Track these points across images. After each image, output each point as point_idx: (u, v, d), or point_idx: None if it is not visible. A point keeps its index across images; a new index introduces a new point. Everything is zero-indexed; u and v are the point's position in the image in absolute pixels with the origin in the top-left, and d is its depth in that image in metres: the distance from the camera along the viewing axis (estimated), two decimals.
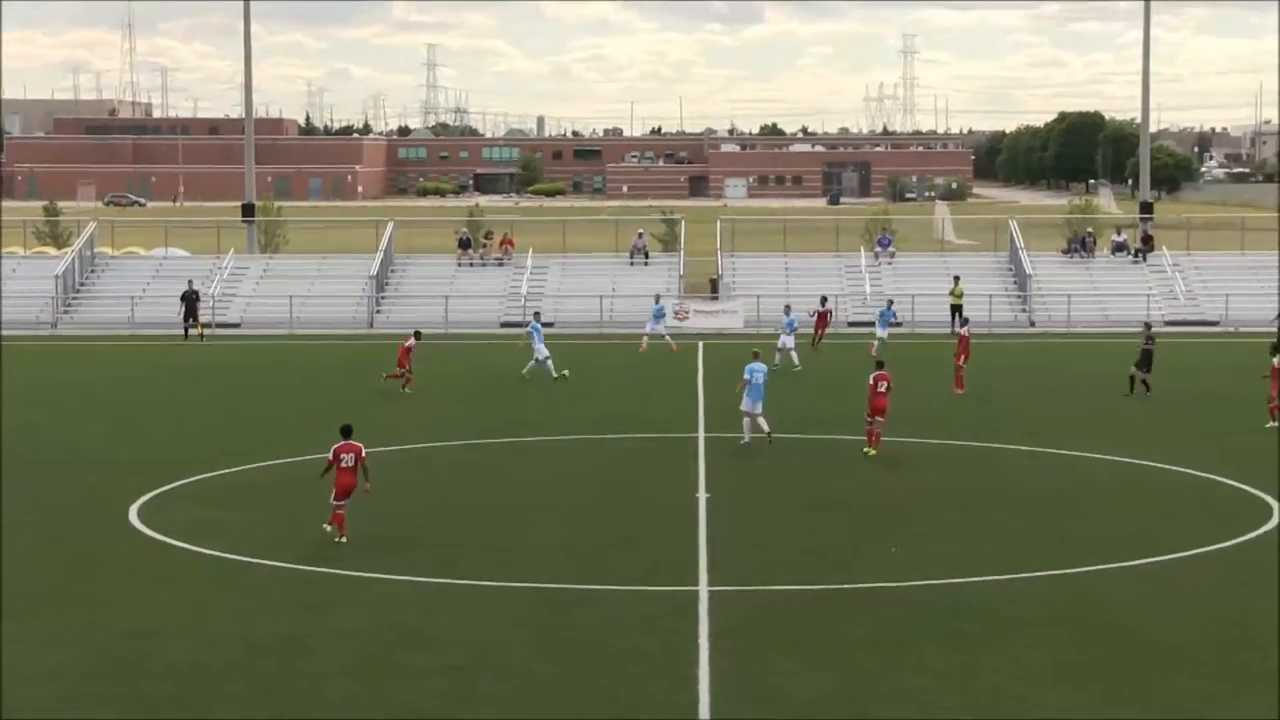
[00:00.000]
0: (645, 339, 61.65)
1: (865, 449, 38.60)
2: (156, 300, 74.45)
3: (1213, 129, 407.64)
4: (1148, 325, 50.54)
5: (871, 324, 63.31)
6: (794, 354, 56.25)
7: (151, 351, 63.64)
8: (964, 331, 52.66)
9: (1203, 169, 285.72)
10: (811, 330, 62.43)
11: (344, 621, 24.16)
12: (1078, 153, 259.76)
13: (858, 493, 34.21)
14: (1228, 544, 29.09)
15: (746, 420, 39.71)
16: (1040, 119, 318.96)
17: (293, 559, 27.93)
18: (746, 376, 39.66)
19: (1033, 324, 72.85)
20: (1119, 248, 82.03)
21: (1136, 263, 79.90)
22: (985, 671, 21.59)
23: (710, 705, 20.12)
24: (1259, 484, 34.04)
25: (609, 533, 30.41)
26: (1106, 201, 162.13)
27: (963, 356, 50.06)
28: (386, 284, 77.51)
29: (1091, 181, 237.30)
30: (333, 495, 29.01)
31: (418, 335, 51.91)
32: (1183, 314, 73.50)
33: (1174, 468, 36.62)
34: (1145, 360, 48.24)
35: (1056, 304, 73.89)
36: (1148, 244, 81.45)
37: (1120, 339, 58.52)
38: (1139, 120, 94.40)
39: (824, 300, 64.80)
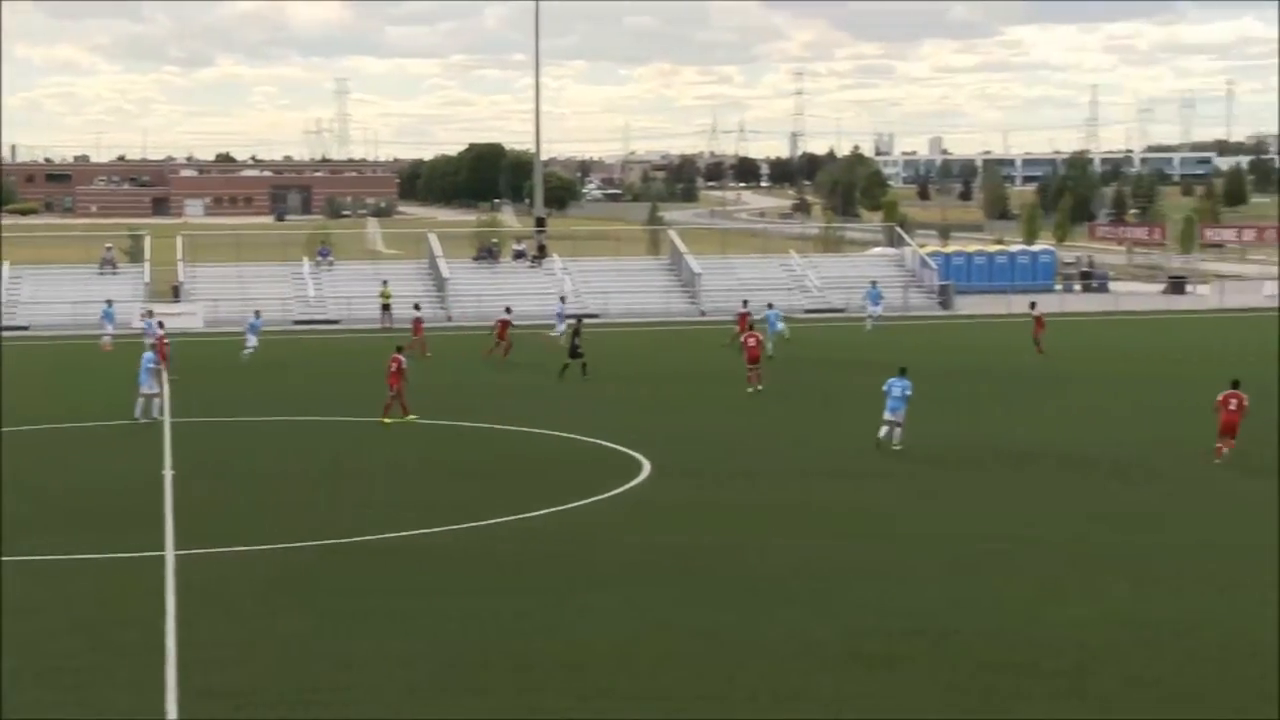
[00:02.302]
0: (108, 339, 59.50)
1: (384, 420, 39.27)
2: None
3: (591, 158, 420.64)
4: (579, 319, 51.71)
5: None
6: (251, 349, 54.96)
7: None
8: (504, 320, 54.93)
9: (584, 190, 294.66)
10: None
11: None
12: (484, 177, 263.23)
13: (307, 465, 33.72)
14: (615, 491, 30.09)
15: (140, 400, 39.73)
16: (453, 149, 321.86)
17: None
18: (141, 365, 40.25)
19: (450, 319, 73.49)
20: (519, 255, 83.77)
21: (533, 267, 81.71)
22: (393, 609, 21.67)
23: (176, 651, 19.48)
24: (631, 445, 35.27)
25: (84, 508, 29.02)
26: (508, 217, 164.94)
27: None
28: None
29: (496, 200, 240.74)
30: None
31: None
32: (571, 309, 75.43)
33: (574, 436, 37.46)
34: (574, 350, 49.21)
35: (470, 302, 74.79)
36: (542, 252, 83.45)
37: (524, 330, 59.35)
38: (533, 150, 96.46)
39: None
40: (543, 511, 28.32)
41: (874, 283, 71.41)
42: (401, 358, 39.84)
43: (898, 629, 20.51)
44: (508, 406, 42.31)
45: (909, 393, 34.76)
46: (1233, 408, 32.96)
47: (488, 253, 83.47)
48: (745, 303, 58.68)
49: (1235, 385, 33.47)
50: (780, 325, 56.23)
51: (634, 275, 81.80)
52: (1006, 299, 75.47)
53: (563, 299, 65.98)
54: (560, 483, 31.16)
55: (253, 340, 55.10)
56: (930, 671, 18.70)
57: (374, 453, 35.48)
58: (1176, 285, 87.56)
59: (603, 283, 78.49)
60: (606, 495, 29.87)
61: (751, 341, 45.96)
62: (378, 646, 19.87)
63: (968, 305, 77.08)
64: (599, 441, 36.19)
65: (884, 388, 35.17)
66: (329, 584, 23.18)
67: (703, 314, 75.13)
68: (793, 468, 32.93)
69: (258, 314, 58.14)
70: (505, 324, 55.55)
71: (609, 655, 19.48)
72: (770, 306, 56.14)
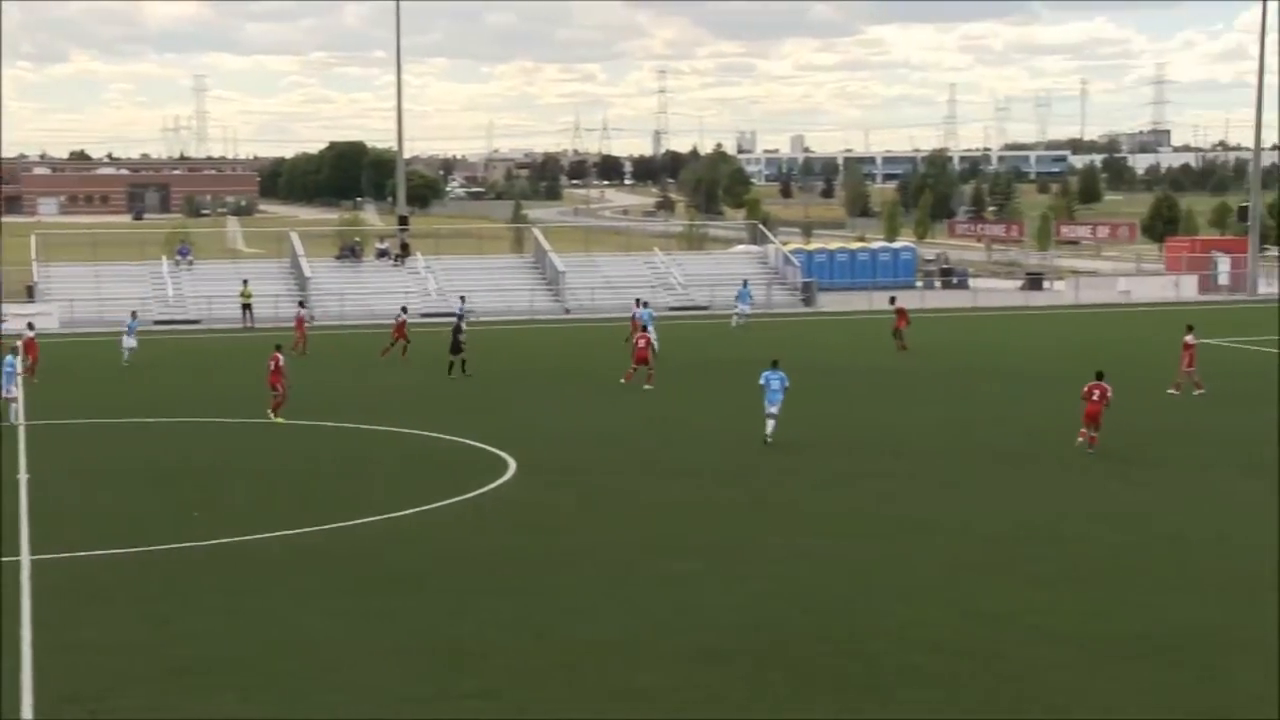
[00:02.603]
0: None
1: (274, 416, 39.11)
2: None
3: (454, 156, 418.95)
4: (460, 317, 51.39)
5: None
6: (128, 351, 53.60)
7: None
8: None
9: (447, 189, 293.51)
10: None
11: None
12: (346, 175, 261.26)
13: (170, 467, 33.18)
14: (476, 492, 29.99)
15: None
16: (314, 147, 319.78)
17: None
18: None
19: (313, 319, 72.73)
20: (382, 253, 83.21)
21: (397, 266, 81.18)
22: (258, 609, 21.52)
23: (33, 656, 19.15)
24: (498, 444, 35.22)
25: None
26: (371, 216, 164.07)
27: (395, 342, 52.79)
28: None
29: (358, 199, 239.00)
30: None
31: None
32: (435, 307, 75.15)
33: (441, 435, 37.28)
34: (456, 345, 48.74)
35: (331, 301, 74.12)
36: (405, 250, 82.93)
37: (384, 330, 58.76)
38: (395, 148, 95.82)
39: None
40: (409, 511, 28.18)
41: (745, 281, 71.90)
42: (280, 355, 39.50)
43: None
44: (375, 406, 42.00)
45: (787, 384, 35.27)
46: (1095, 398, 34.05)
47: (350, 251, 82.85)
48: (638, 301, 58.57)
49: (1099, 376, 34.47)
50: (650, 327, 56.14)
51: (498, 273, 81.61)
52: (868, 296, 76.44)
53: (462, 299, 65.04)
54: (427, 482, 31.00)
55: (131, 341, 53.43)
56: (924, 669, 18.83)
57: (236, 454, 35.05)
58: (1034, 282, 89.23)
59: (466, 281, 78.09)
60: (471, 494, 29.78)
61: (641, 342, 46.25)
62: (234, 648, 19.70)
63: (830, 302, 77.91)
64: (466, 441, 36.08)
65: (761, 381, 35.48)
66: (209, 584, 22.88)
67: (567, 312, 75.14)
68: (664, 465, 33.07)
69: (134, 314, 56.69)
70: (403, 324, 54.65)
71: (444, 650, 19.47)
72: (644, 305, 56.30)
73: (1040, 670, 18.58)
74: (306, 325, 58.06)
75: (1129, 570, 23.41)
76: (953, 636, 19.89)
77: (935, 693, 17.77)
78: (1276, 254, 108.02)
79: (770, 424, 35.04)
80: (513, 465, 32.75)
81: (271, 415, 38.99)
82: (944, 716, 17.10)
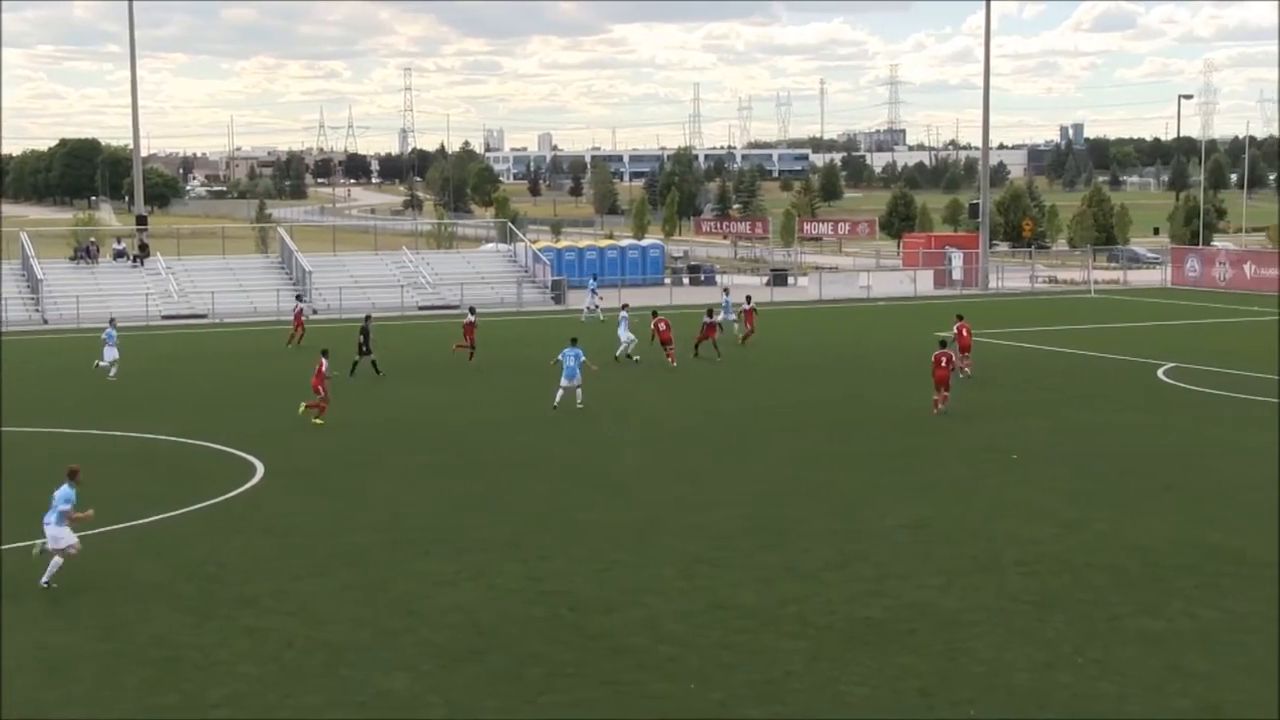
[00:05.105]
0: None
1: None
2: None
3: (194, 154, 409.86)
4: (368, 317, 50.55)
5: None
6: (103, 362, 50.33)
7: None
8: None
9: (188, 187, 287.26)
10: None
11: None
12: (79, 173, 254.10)
13: None
14: (223, 497, 29.38)
15: None
16: (44, 144, 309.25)
17: None
18: None
19: (45, 321, 70.50)
20: (120, 254, 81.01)
21: (135, 267, 79.10)
22: (19, 626, 20.78)
23: None
24: (243, 447, 34.57)
25: None
26: (107, 215, 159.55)
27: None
28: None
29: (93, 198, 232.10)
30: None
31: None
32: (177, 309, 73.48)
33: (181, 439, 36.43)
34: (364, 347, 47.26)
35: (67, 304, 71.88)
36: (144, 251, 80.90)
37: (132, 333, 57.14)
38: (131, 145, 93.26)
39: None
40: (154, 518, 27.47)
41: (595, 277, 73.91)
42: (325, 361, 38.95)
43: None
44: (120, 411, 40.90)
45: (582, 359, 39.66)
46: (944, 365, 37.61)
47: (86, 252, 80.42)
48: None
49: (943, 345, 38.60)
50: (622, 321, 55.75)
51: (242, 274, 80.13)
52: (618, 292, 76.97)
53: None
54: (172, 489, 30.28)
55: (113, 352, 48.66)
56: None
57: None
58: (779, 277, 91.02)
59: (209, 282, 76.57)
60: (218, 499, 29.17)
61: (662, 325, 49.52)
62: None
63: (580, 300, 78.24)
64: (212, 445, 35.33)
65: (559, 357, 39.96)
66: None
67: (315, 312, 74.04)
68: (414, 464, 32.85)
69: (113, 321, 51.85)
70: (471, 325, 52.12)
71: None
72: (625, 307, 55.39)
73: (785, 658, 18.99)
74: (305, 319, 57.98)
75: (861, 558, 24.07)
76: (705, 630, 20.20)
77: (685, 685, 18.02)
78: (1005, 249, 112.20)
79: (560, 394, 39.04)
80: (260, 468, 32.19)
81: (303, 412, 38.46)
82: (696, 712, 17.35)
